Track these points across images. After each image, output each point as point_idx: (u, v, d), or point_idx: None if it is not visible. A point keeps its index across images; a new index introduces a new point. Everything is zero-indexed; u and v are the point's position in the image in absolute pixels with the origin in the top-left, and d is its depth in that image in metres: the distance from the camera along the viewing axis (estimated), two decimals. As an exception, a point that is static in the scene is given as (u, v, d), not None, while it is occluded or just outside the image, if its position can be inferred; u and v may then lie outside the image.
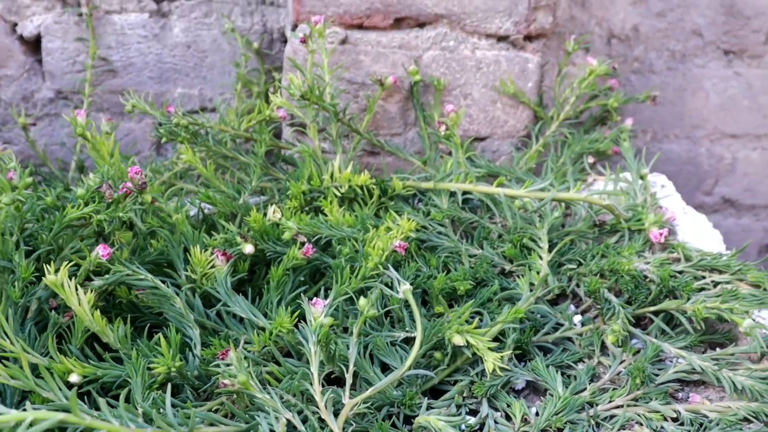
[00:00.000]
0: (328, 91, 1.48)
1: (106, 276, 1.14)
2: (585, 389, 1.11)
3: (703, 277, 1.27)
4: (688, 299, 1.21)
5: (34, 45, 1.86)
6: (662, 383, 1.12)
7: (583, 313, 1.28)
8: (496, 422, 1.04)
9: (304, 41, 1.46)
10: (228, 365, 0.96)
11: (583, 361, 1.19)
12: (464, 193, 1.42)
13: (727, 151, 2.11)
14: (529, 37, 1.65)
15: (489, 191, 1.35)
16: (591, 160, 1.67)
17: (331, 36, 1.57)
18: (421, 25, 1.62)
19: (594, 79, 1.69)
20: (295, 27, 1.59)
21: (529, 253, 1.33)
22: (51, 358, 1.03)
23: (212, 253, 1.20)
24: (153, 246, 1.26)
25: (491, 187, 1.35)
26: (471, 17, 1.61)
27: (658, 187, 1.56)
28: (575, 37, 1.73)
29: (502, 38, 1.64)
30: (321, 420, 0.94)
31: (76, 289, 1.03)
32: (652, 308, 1.23)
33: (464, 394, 1.09)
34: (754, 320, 1.14)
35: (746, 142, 2.10)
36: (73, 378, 1.00)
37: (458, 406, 1.07)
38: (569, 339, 1.23)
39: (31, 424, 0.72)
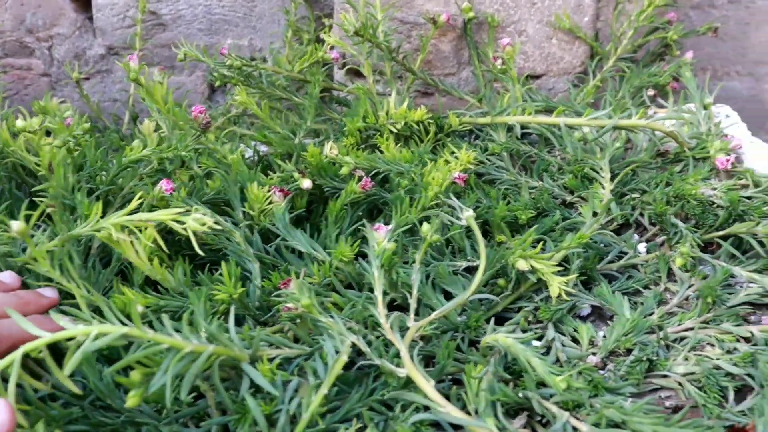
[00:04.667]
0: (381, 29, 1.45)
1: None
2: (653, 313, 1.08)
3: (774, 202, 1.23)
4: (758, 223, 1.17)
5: (84, 2, 1.87)
6: (733, 306, 1.08)
7: (647, 241, 1.25)
8: (563, 345, 1.02)
9: (355, -23, 1.44)
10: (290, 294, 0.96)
11: (650, 288, 1.16)
12: (522, 127, 1.39)
13: (792, 87, 2.04)
14: (583, -31, 1.61)
15: (548, 121, 1.32)
16: (651, 92, 1.62)
17: (382, -25, 1.55)
18: (473, -40, 1.59)
19: (653, 11, 1.64)
20: (344, -33, 1.57)
21: (590, 184, 1.30)
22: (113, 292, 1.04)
23: (269, 190, 1.20)
24: (209, 186, 1.26)
25: (550, 118, 1.32)
26: (523, -50, 1.57)
27: (722, 117, 1.51)
28: (632, -30, 1.68)
29: (555, -28, 1.60)
30: (385, 345, 0.93)
31: (132, 242, 1.03)
32: (720, 233, 1.19)
33: (529, 319, 1.08)
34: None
35: (813, 77, 2.03)
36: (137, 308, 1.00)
37: (524, 331, 1.05)
38: (634, 267, 1.20)
39: (96, 338, 0.72)
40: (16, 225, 0.96)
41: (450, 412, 0.80)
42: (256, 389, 0.85)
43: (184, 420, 0.88)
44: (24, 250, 1.12)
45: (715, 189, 1.23)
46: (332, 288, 1.10)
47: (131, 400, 0.77)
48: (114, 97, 1.91)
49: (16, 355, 0.72)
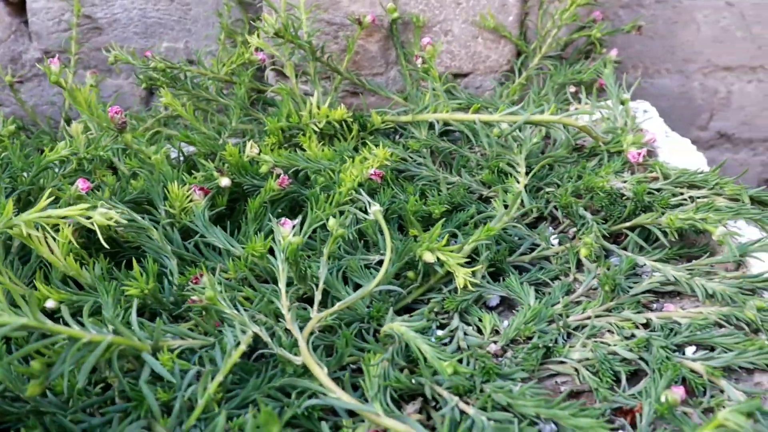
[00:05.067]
0: (305, 30, 1.48)
1: (84, 211, 1.16)
2: (558, 303, 1.11)
3: (681, 194, 1.27)
4: (663, 213, 1.21)
5: (19, 6, 1.88)
6: (636, 294, 1.12)
7: (561, 233, 1.28)
8: (466, 334, 1.05)
9: (277, -21, 1.46)
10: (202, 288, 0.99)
11: (559, 279, 1.20)
12: (445, 124, 1.42)
13: (721, 84, 2.09)
14: (507, -30, 1.65)
15: (464, 118, 1.36)
16: (572, 89, 1.66)
17: (308, -23, 1.58)
18: (398, -38, 1.62)
19: (575, 10, 1.68)
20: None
21: (507, 179, 1.33)
22: (33, 288, 1.06)
23: (190, 189, 1.22)
24: (133, 185, 1.28)
25: (466, 115, 1.35)
26: (447, -48, 1.60)
27: (640, 113, 1.55)
28: (557, -31, 1.72)
29: (480, -27, 1.64)
30: (289, 334, 0.95)
31: (46, 238, 1.05)
32: (627, 224, 1.23)
33: (436, 310, 1.10)
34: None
35: (741, 74, 2.08)
36: (50, 304, 1.03)
37: (429, 321, 1.07)
38: (546, 259, 1.24)
39: (-6, 328, 0.74)
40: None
41: (341, 397, 0.83)
42: (158, 378, 0.87)
43: (91, 409, 0.90)
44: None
45: (625, 182, 1.27)
46: (248, 283, 1.13)
47: (31, 389, 0.79)
48: (51, 101, 1.92)
49: None
